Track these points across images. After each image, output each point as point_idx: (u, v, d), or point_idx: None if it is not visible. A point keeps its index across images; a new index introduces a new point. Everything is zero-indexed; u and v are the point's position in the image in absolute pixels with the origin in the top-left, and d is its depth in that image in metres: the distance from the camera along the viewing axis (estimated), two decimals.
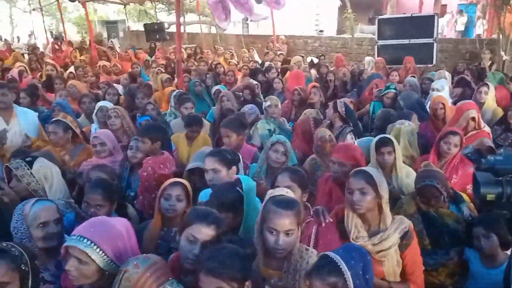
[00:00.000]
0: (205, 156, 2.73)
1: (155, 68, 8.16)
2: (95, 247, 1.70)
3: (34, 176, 2.69)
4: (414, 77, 6.33)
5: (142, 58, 10.78)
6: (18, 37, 21.35)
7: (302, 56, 9.46)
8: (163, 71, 7.63)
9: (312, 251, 2.00)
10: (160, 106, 5.70)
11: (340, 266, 1.60)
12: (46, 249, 2.15)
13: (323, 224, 2.24)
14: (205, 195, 2.62)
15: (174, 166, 3.39)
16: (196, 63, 8.50)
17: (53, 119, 3.79)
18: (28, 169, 2.68)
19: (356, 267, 1.64)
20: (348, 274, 1.59)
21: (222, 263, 1.58)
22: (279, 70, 7.82)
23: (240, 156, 2.96)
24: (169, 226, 2.43)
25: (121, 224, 1.85)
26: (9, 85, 4.05)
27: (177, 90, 5.36)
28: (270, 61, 9.07)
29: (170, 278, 1.67)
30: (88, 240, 1.70)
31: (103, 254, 1.71)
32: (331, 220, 2.28)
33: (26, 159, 2.74)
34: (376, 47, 8.88)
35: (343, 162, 2.86)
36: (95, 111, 4.51)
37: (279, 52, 10.78)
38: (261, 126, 4.39)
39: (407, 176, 3.05)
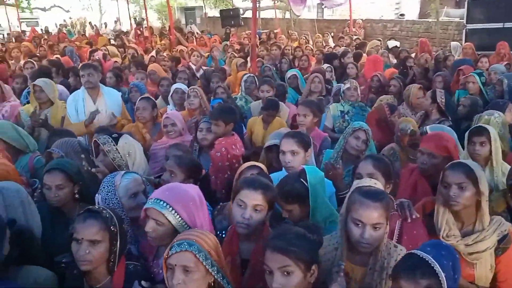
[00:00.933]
0: (282, 138, 2.68)
1: (230, 53, 8.29)
2: (170, 208, 1.79)
3: (119, 152, 2.79)
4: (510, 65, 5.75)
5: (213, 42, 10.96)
6: (105, 23, 22.86)
7: (380, 41, 9.03)
8: (236, 55, 7.72)
9: (401, 248, 1.85)
10: (233, 91, 5.77)
11: (434, 268, 1.47)
12: (136, 218, 2.23)
13: (409, 220, 2.08)
14: (276, 178, 2.61)
15: (243, 147, 3.44)
16: (269, 48, 8.48)
17: (142, 96, 3.96)
18: (114, 145, 2.79)
19: (448, 267, 1.51)
20: (443, 277, 1.46)
21: (290, 241, 1.55)
22: None
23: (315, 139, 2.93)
24: None
25: (193, 190, 1.92)
26: (95, 66, 4.29)
27: (248, 74, 5.38)
28: (345, 46, 8.77)
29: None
30: (164, 202, 1.80)
31: (178, 215, 1.80)
32: (418, 215, 2.10)
33: (112, 135, 2.85)
34: (464, 31, 8.23)
35: (433, 153, 2.62)
36: (171, 93, 4.68)
37: (355, 37, 10.40)
38: (333, 108, 4.33)
39: (503, 173, 2.73)
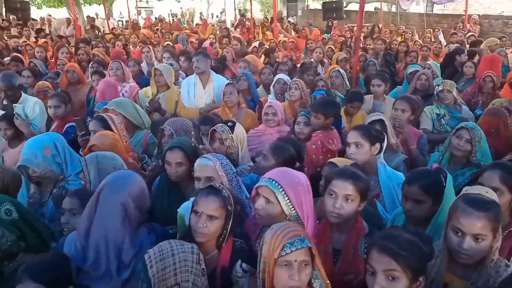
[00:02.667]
0: (350, 129, 2.70)
1: (328, 46, 8.20)
2: (281, 189, 1.87)
3: (233, 141, 2.95)
4: None
5: (314, 34, 10.91)
6: (212, 14, 24.03)
7: (505, 38, 8.17)
8: (335, 50, 7.62)
9: None
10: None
11: None
12: None
13: None
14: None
15: (340, 143, 3.41)
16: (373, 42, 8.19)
17: (228, 82, 4.12)
18: (230, 134, 2.94)
19: None
20: None
21: (401, 245, 1.46)
22: None
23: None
24: None
25: (303, 177, 1.99)
26: (205, 53, 4.56)
27: (336, 69, 5.28)
28: (458, 44, 8.12)
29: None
30: (276, 182, 1.89)
31: (287, 197, 1.87)
32: None
33: (228, 124, 2.99)
34: None
35: None
36: (273, 82, 4.79)
37: (469, 34, 9.55)
38: (428, 110, 4.10)
39: None
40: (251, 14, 14.61)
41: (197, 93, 4.35)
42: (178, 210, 2.22)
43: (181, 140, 2.70)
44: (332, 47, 7.91)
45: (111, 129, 3.01)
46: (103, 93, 4.15)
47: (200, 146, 2.85)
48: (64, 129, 3.63)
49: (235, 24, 14.08)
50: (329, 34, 10.99)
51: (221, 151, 2.90)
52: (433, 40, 9.36)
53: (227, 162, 2.38)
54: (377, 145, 2.64)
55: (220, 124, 3.02)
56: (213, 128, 3.01)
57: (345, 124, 3.98)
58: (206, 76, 4.39)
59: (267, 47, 8.07)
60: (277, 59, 7.08)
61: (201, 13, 21.58)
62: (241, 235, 2.13)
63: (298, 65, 6.31)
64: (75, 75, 5.12)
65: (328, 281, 1.62)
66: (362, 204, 1.96)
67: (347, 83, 5.25)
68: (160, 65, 4.67)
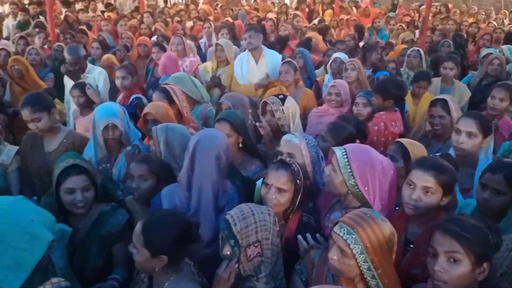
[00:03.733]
0: (462, 116, 2.52)
1: (393, 25, 7.83)
2: (346, 160, 1.90)
3: (284, 113, 2.97)
4: None
5: (374, 13, 10.43)
6: None
7: None
8: (405, 29, 7.26)
9: None
10: None
11: None
12: None
13: None
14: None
15: (403, 126, 3.29)
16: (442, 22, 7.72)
17: (285, 60, 4.07)
18: (281, 106, 2.97)
19: None
20: None
21: (465, 228, 1.42)
22: None
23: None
24: None
25: (378, 160, 1.96)
26: (256, 28, 4.50)
27: (413, 48, 5.01)
28: None
29: None
30: (344, 152, 1.93)
31: (350, 169, 1.88)
32: None
33: (279, 96, 3.03)
34: None
35: None
36: (329, 61, 4.68)
37: None
38: None
39: None
40: None
41: (250, 69, 4.34)
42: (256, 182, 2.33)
43: (229, 113, 2.75)
44: (403, 25, 7.56)
45: (173, 101, 3.12)
46: (165, 67, 4.27)
47: (257, 124, 2.88)
48: (130, 100, 3.78)
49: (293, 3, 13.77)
50: (395, 13, 10.46)
51: (271, 123, 2.94)
52: (508, 23, 8.64)
53: (314, 144, 2.35)
54: (489, 138, 2.47)
55: (271, 96, 3.04)
56: (264, 100, 3.04)
57: (410, 106, 3.84)
58: (258, 52, 4.37)
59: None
60: (331, 38, 6.90)
61: None
62: (312, 211, 2.17)
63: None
64: (146, 49, 5.38)
65: (386, 280, 1.54)
66: (446, 198, 1.83)
67: (424, 64, 4.97)
68: (222, 41, 4.71)
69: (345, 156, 1.89)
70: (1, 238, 1.46)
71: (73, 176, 2.09)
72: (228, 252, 1.70)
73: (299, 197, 1.97)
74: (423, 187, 1.79)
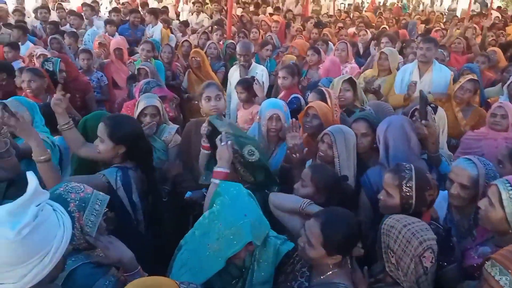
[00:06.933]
0: None
1: None
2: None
3: (434, 120, 2.81)
4: None
5: None
6: (441, 0, 22.00)
7: None
8: None
9: None
10: None
11: None
12: None
13: None
14: None
15: None
16: None
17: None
18: (433, 114, 2.82)
19: None
20: None
21: None
22: None
23: None
24: None
25: None
26: (435, 41, 4.26)
27: None
28: None
29: None
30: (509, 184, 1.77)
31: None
32: None
33: (431, 105, 2.91)
34: None
35: None
36: (508, 82, 4.12)
37: None
38: None
39: None
40: (491, 3, 12.81)
41: (411, 81, 4.11)
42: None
43: (367, 113, 2.85)
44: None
45: (327, 102, 3.18)
46: (328, 70, 4.38)
47: (423, 122, 2.65)
48: (289, 99, 3.99)
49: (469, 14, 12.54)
50: None
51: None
52: None
53: (493, 176, 2.09)
54: None
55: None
56: (414, 108, 2.93)
57: None
58: (427, 66, 4.14)
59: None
60: None
61: None
62: None
63: None
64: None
65: None
66: None
67: None
68: (387, 49, 4.62)
69: (510, 189, 1.66)
70: (223, 219, 1.69)
71: None
72: None
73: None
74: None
